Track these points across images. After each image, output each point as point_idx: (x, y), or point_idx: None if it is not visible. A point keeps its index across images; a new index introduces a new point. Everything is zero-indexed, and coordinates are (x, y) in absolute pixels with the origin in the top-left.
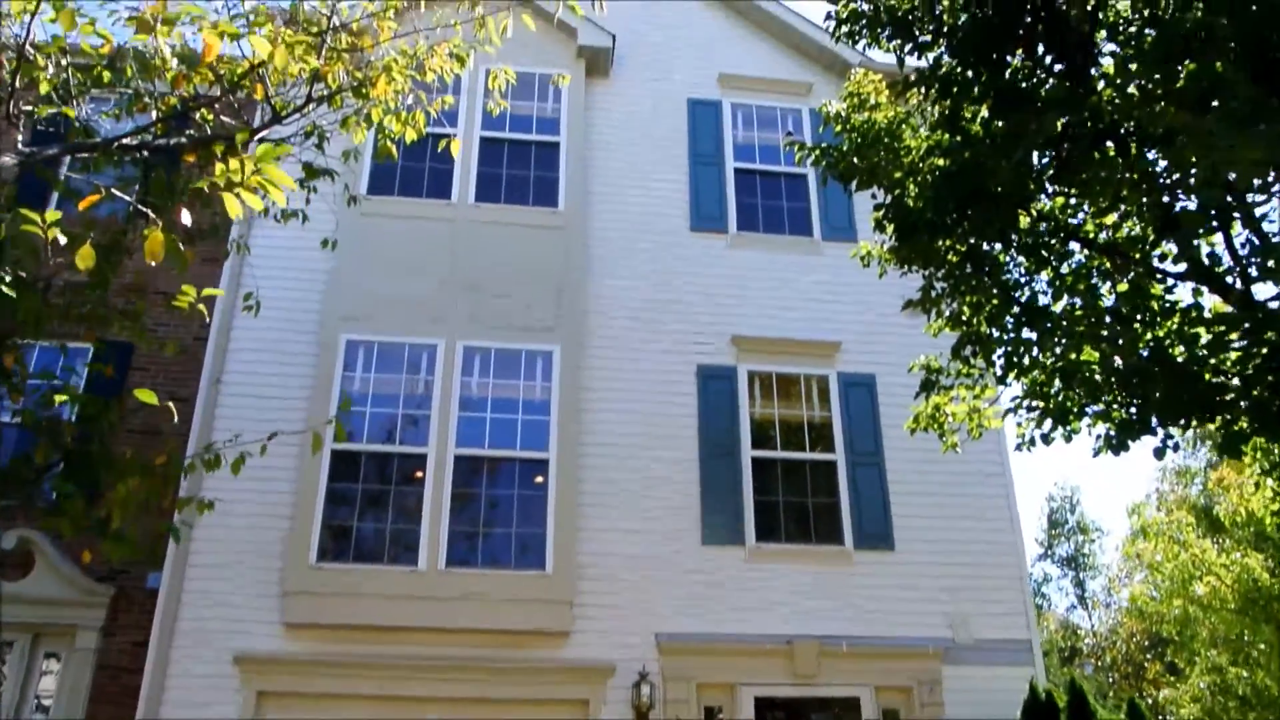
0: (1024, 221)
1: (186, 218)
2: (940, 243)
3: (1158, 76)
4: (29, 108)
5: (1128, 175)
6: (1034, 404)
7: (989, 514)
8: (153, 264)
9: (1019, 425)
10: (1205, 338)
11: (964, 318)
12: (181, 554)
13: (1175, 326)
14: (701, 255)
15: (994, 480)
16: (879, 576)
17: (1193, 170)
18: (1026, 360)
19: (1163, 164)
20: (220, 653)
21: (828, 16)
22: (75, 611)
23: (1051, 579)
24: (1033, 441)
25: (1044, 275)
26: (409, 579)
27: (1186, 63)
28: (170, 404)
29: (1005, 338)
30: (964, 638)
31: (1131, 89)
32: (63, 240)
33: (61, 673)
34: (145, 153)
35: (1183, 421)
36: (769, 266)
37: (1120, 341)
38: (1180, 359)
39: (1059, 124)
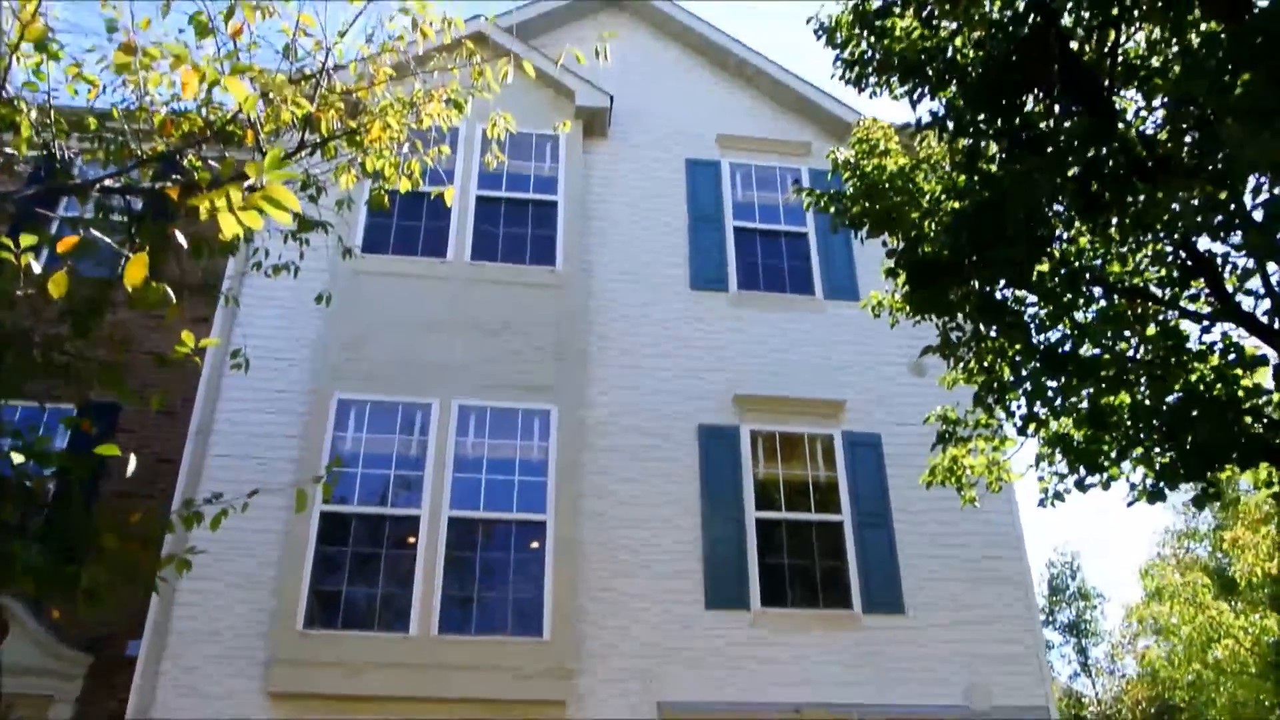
0: (1044, 266)
1: (181, 237)
2: (956, 291)
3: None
4: (10, 150)
5: (1156, 210)
6: (1058, 457)
7: (1002, 577)
8: (137, 308)
9: (1041, 480)
10: (1246, 380)
11: (985, 363)
12: (162, 620)
13: (1214, 367)
14: (702, 313)
15: (1006, 542)
16: (890, 641)
17: (1218, 207)
18: (1048, 409)
19: (1193, 202)
20: None
21: (835, 60)
22: (51, 681)
23: (1054, 646)
24: (1058, 496)
25: (1063, 324)
26: (400, 646)
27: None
28: (133, 456)
29: (1026, 385)
30: (980, 705)
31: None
32: (37, 271)
33: None
34: (129, 198)
35: (1229, 465)
36: (771, 324)
37: (1152, 384)
38: (1222, 399)
39: (1087, 155)
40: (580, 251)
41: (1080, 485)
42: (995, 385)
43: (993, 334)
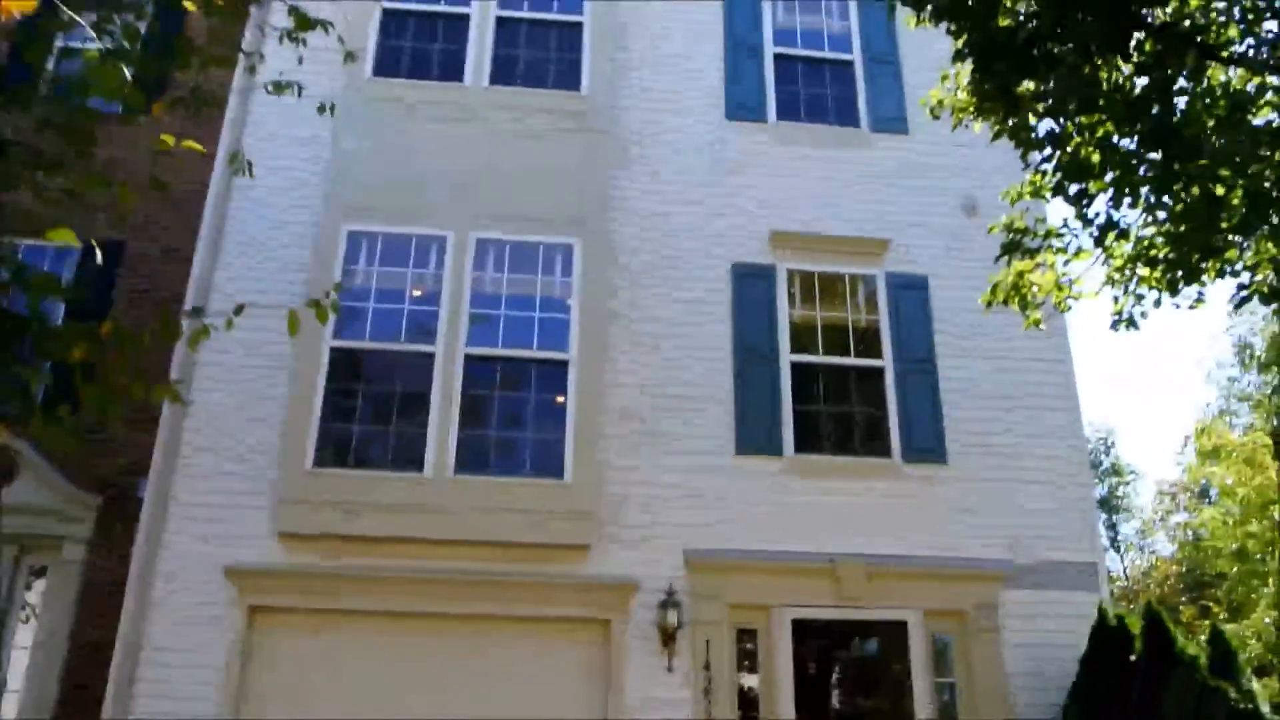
0: (1141, 34)
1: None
2: (1033, 77)
3: None
4: None
5: None
6: (1138, 272)
7: (1052, 428)
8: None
9: (1116, 301)
10: None
11: (1070, 145)
12: (169, 459)
13: None
14: (738, 145)
15: (1058, 392)
16: (930, 492)
17: None
18: (1136, 203)
19: None
20: (210, 565)
21: None
22: (61, 523)
23: None
24: (1131, 322)
25: (1166, 103)
26: (414, 487)
27: None
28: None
29: (1113, 175)
30: (1024, 559)
31: None
32: None
33: (47, 587)
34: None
35: None
36: (811, 158)
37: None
38: None
39: None
40: (607, 76)
41: (1171, 287)
42: (1078, 168)
43: (1076, 121)
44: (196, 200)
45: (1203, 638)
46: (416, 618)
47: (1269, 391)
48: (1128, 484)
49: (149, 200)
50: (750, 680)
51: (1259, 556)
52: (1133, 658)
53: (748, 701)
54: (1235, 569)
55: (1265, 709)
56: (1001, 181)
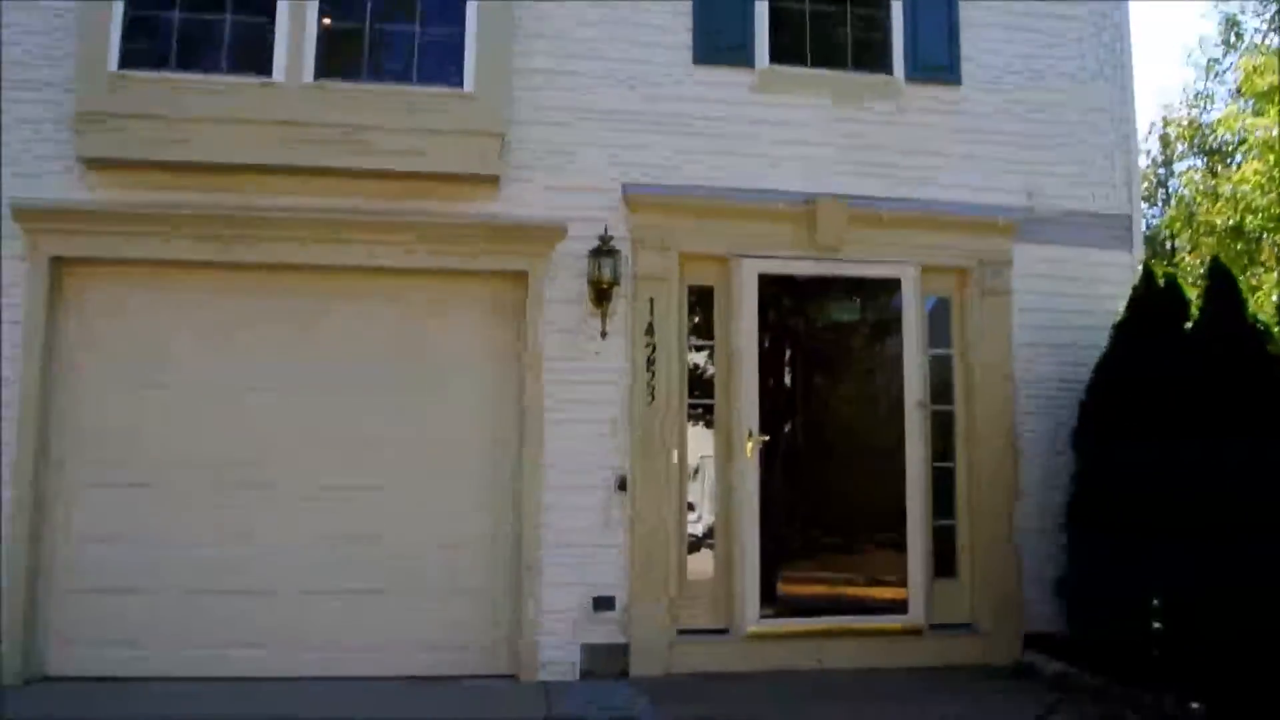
0: None
1: None
2: None
3: None
4: None
5: None
6: None
7: (1089, 47)
8: None
9: None
10: None
11: None
12: None
13: None
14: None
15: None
16: (937, 120)
17: None
18: None
19: None
20: None
21: None
22: None
23: None
24: None
25: None
26: (261, 97)
27: None
28: None
29: None
30: (1044, 208)
31: None
32: None
33: None
34: None
35: None
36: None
37: None
38: None
39: None
40: None
41: None
42: None
43: None
44: None
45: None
46: (269, 270)
47: None
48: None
49: None
50: (702, 354)
51: None
52: (1188, 326)
53: (700, 379)
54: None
55: None
56: None
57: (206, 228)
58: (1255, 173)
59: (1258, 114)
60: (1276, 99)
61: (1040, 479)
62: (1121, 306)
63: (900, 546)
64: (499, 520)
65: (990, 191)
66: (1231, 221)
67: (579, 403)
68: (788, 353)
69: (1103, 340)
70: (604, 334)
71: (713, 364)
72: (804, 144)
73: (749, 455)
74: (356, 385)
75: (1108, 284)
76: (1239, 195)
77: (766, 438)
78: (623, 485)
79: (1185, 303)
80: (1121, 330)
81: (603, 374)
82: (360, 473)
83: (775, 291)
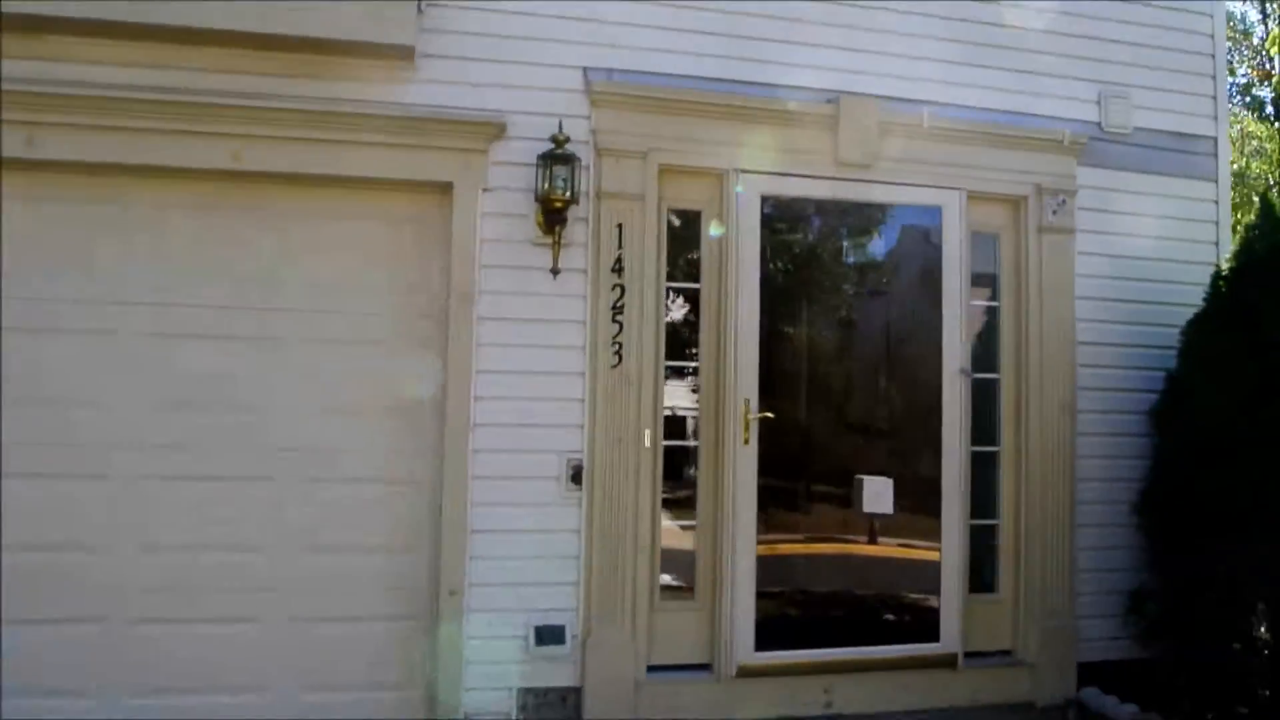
0: None
1: None
2: None
3: None
4: None
5: None
6: None
7: None
8: None
9: None
10: None
11: None
12: None
13: None
14: None
15: None
16: (991, 17)
17: None
18: None
19: None
20: None
21: None
22: None
23: None
24: None
25: None
26: None
27: None
28: None
29: None
30: (1118, 122)
31: None
32: None
33: None
34: None
35: None
36: None
37: None
38: None
39: None
40: None
41: None
42: None
43: None
44: None
45: None
46: (124, 174)
47: None
48: None
49: None
50: (685, 301)
51: None
52: None
53: (682, 335)
54: None
55: None
56: None
57: (53, 109)
58: None
59: None
60: None
61: (1101, 466)
62: (1206, 250)
63: (931, 554)
64: (411, 523)
65: (1053, 98)
66: None
67: (520, 366)
68: (797, 302)
69: (1185, 294)
70: (556, 271)
71: (699, 315)
72: (826, 26)
73: (746, 438)
74: (214, 338)
75: (1191, 222)
76: None
77: (770, 414)
78: (578, 477)
79: None
80: (1236, 280)
81: (553, 326)
82: (212, 459)
83: (783, 221)
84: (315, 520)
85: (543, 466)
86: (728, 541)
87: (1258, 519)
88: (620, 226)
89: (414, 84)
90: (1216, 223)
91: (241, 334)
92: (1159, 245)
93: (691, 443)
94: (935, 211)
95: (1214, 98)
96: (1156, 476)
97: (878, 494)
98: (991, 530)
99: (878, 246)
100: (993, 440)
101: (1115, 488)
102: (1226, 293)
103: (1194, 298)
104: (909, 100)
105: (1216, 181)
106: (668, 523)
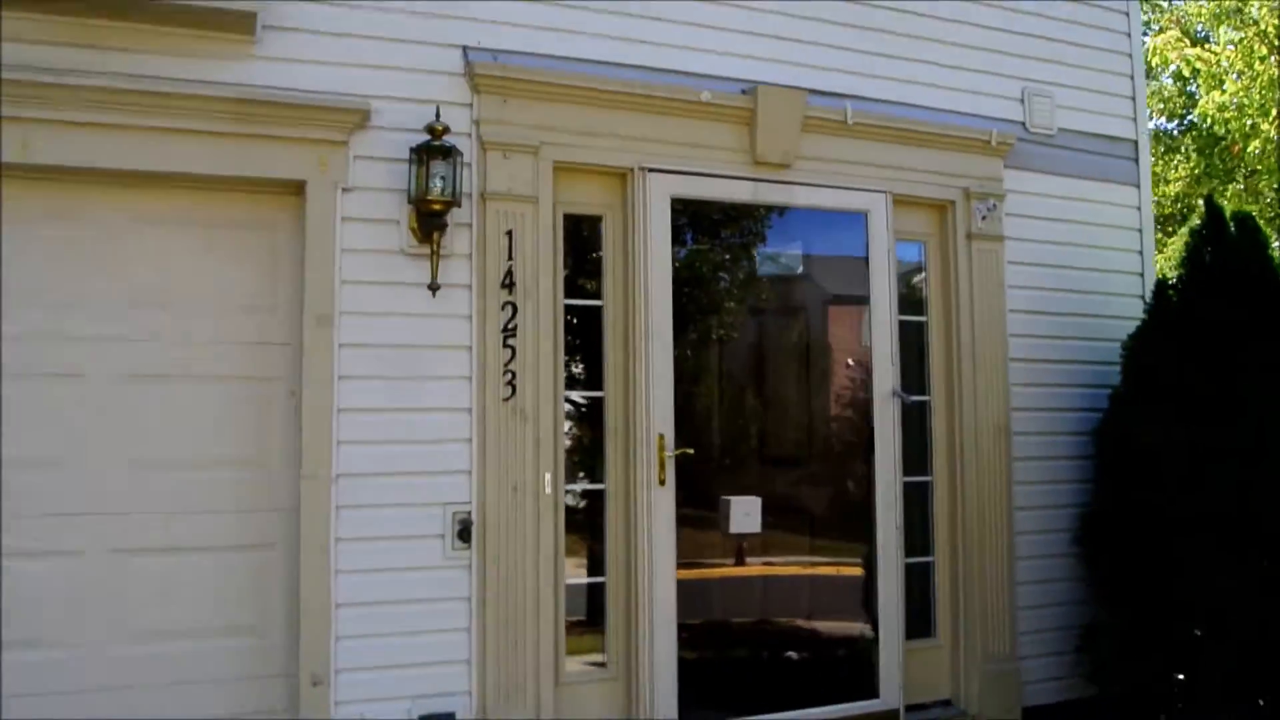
0: None
1: None
2: None
3: None
4: None
5: None
6: None
7: None
8: None
9: None
10: None
11: None
12: None
13: None
14: None
15: None
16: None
17: None
18: None
19: None
20: None
21: None
22: None
23: None
24: None
25: None
26: None
27: None
28: None
29: None
30: (1041, 121)
31: None
32: None
33: None
34: None
35: None
36: None
37: None
38: None
39: None
40: None
41: None
42: None
43: None
44: None
45: None
46: None
47: None
48: None
49: None
50: (586, 325)
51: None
52: None
53: (583, 359)
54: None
55: None
56: None
57: None
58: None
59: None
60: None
61: (1039, 493)
62: (1133, 259)
63: (866, 599)
64: (260, 598)
65: (975, 99)
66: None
67: (393, 403)
68: (714, 320)
69: (1117, 306)
70: (435, 287)
71: (603, 337)
72: (742, 8)
73: (662, 478)
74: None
75: (1118, 229)
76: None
77: (690, 450)
78: (466, 534)
79: (1265, 255)
80: (1184, 291)
81: (433, 353)
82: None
83: (697, 227)
84: (130, 601)
85: (423, 523)
86: (644, 602)
87: (1214, 546)
88: (510, 234)
89: (256, 61)
90: (1140, 230)
91: (33, 369)
92: (1088, 254)
93: (599, 485)
94: (860, 218)
95: (1133, 98)
96: (1100, 502)
97: (746, 514)
98: (926, 569)
99: (800, 256)
100: (924, 469)
101: (1055, 515)
102: (1177, 304)
103: (1127, 309)
104: (831, 94)
105: (1139, 186)
106: (574, 581)
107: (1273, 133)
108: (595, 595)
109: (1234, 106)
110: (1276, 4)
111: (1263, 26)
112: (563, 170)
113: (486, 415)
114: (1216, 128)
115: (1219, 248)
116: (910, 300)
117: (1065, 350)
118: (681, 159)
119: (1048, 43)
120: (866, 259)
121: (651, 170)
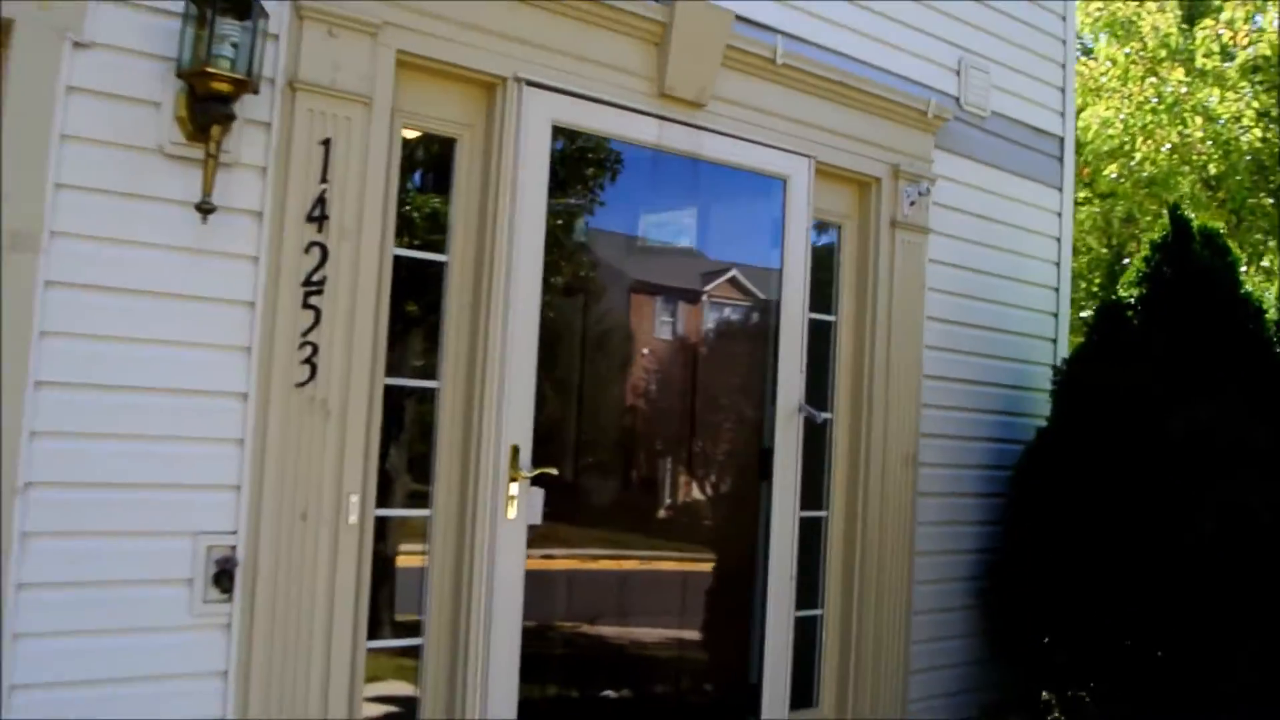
0: None
1: None
2: None
3: None
4: None
5: None
6: None
7: None
8: None
9: None
10: None
11: None
12: None
13: None
14: None
15: None
16: None
17: None
18: None
19: None
20: None
21: None
22: None
23: None
24: None
25: None
26: None
27: None
28: None
29: None
30: (976, 101)
31: None
32: None
33: None
34: None
35: None
36: None
37: None
38: None
39: None
40: None
41: None
42: None
43: None
44: None
45: None
46: None
47: None
48: None
49: None
50: (422, 285)
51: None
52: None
53: (415, 333)
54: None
55: None
56: None
57: None
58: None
59: None
60: None
61: (941, 535)
62: (1049, 271)
63: (747, 662)
64: None
65: (917, 59)
66: None
67: (127, 378)
68: (591, 297)
69: (1035, 324)
70: (207, 208)
71: (443, 304)
72: None
73: (510, 509)
74: None
75: (1040, 236)
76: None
77: (552, 470)
78: (226, 578)
79: (1231, 276)
80: (1143, 312)
81: (196, 308)
82: None
83: (582, 167)
84: None
85: (161, 561)
86: (474, 683)
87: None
88: (328, 144)
89: None
90: (1059, 239)
91: None
92: (1010, 260)
93: (421, 512)
94: (776, 185)
95: (1063, 90)
96: (1015, 555)
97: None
98: (813, 623)
99: (705, 226)
100: (819, 503)
101: (955, 562)
102: (1139, 326)
103: (1044, 328)
104: (759, 25)
105: (1061, 190)
106: (379, 650)
107: (1139, 157)
108: (408, 672)
109: (1120, 121)
110: (1166, 28)
111: (1148, 44)
112: (409, 66)
113: (270, 406)
114: (1099, 143)
115: (1181, 265)
116: (817, 295)
117: (978, 370)
118: (570, 76)
119: (987, 9)
120: (781, 238)
121: (530, 84)
